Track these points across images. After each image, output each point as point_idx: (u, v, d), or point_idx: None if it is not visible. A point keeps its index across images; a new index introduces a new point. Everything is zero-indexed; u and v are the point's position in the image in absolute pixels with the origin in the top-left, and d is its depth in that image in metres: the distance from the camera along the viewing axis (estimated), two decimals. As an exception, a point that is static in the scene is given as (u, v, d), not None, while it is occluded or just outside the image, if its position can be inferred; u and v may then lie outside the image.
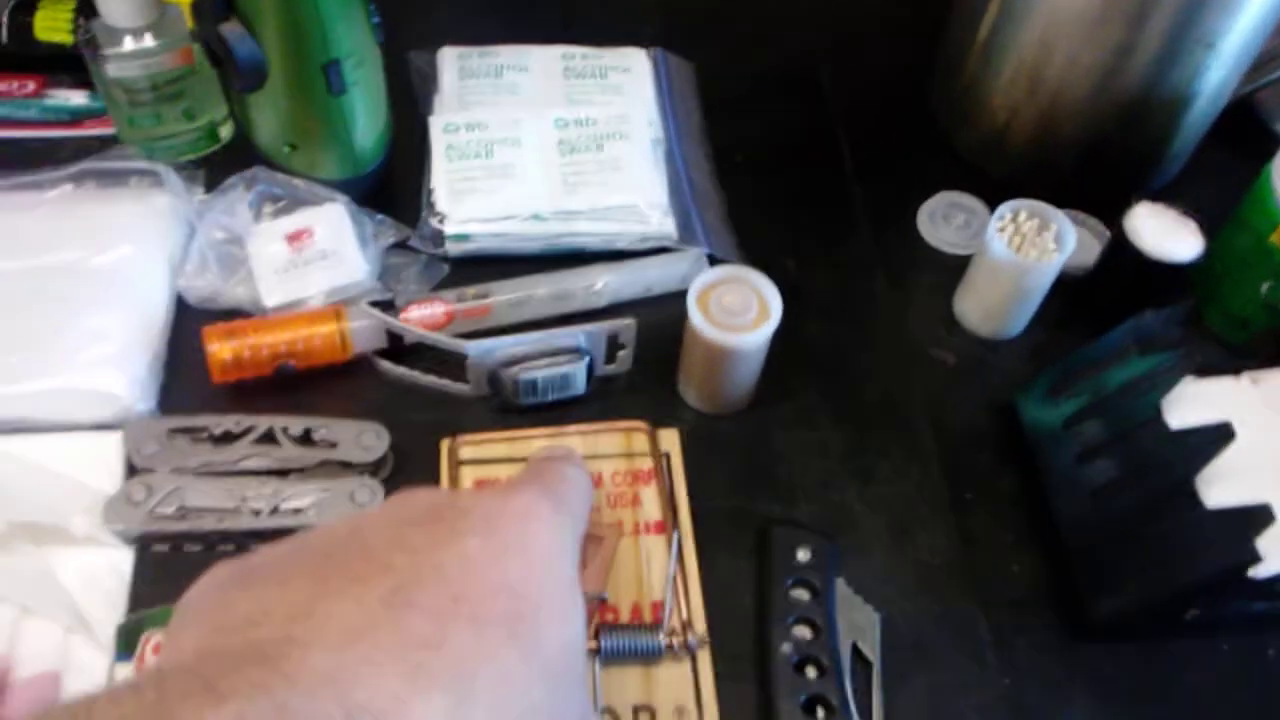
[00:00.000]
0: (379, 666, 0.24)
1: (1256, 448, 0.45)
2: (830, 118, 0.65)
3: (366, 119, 0.53)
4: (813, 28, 0.69)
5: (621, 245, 0.56)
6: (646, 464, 0.48)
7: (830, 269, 0.58)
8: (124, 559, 0.44)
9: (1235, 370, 0.49)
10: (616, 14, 0.69)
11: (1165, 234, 0.50)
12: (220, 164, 0.57)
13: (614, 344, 0.51)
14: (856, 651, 0.44)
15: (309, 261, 0.52)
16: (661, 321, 0.52)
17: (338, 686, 0.23)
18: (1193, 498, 0.42)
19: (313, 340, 0.49)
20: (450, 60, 0.61)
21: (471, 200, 0.55)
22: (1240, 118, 0.63)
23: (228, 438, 0.46)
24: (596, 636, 0.42)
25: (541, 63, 0.62)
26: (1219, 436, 0.42)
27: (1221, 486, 0.43)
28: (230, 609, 0.26)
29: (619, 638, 0.42)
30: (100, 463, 0.46)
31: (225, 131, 0.59)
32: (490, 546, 0.28)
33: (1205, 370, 0.48)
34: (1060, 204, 0.57)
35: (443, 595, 0.26)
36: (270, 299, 0.51)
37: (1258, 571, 0.41)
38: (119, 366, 0.48)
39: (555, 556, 0.30)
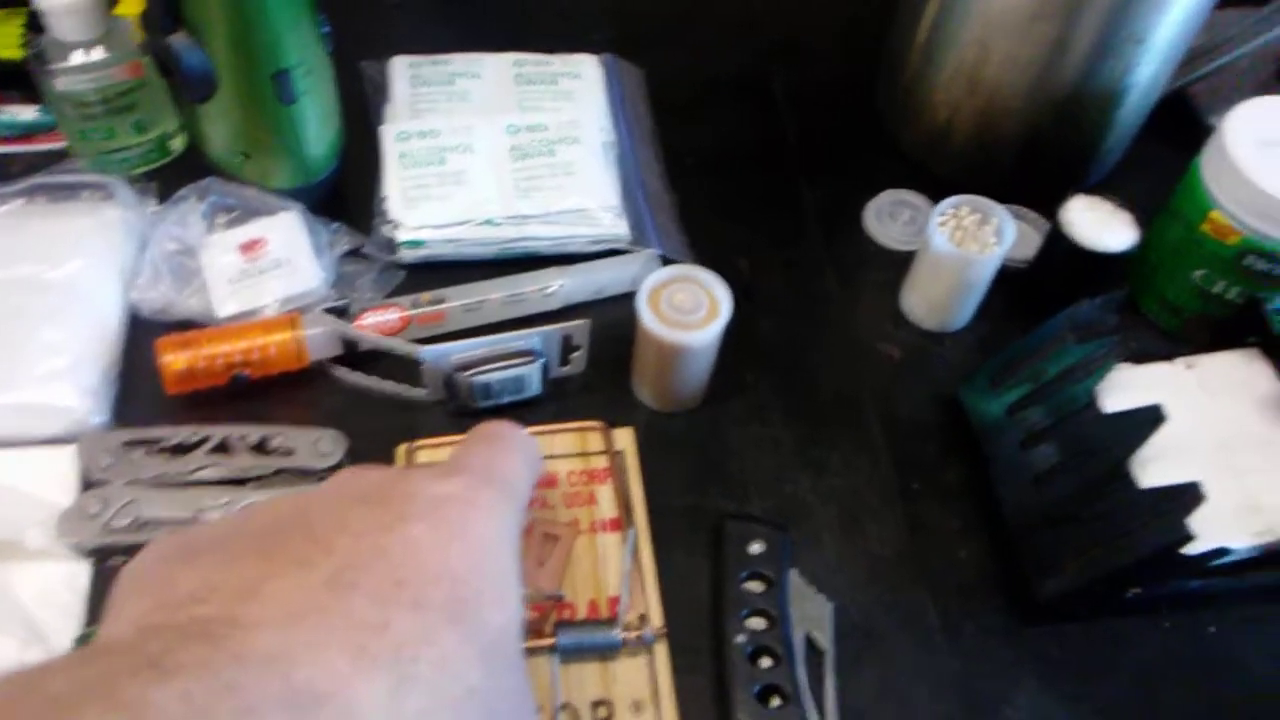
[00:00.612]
0: (322, 647, 0.24)
1: (1192, 429, 0.47)
2: (779, 119, 0.66)
3: (318, 128, 0.54)
4: (762, 32, 0.71)
5: (575, 248, 0.56)
6: (602, 463, 0.49)
7: (781, 267, 0.59)
8: (80, 572, 0.45)
9: (1169, 355, 0.50)
10: (568, 21, 0.69)
11: (1100, 226, 0.52)
12: (173, 175, 0.57)
13: (568, 345, 0.51)
14: (810, 641, 0.45)
15: (263, 271, 0.52)
16: (615, 322, 0.53)
17: (282, 665, 0.23)
18: (1127, 479, 0.44)
19: (268, 349, 0.49)
20: (402, 68, 0.62)
21: (425, 207, 0.55)
22: (1175, 111, 0.64)
23: (183, 448, 0.47)
24: (555, 633, 0.43)
25: (493, 70, 0.62)
26: (1151, 419, 0.43)
27: (1158, 468, 0.45)
28: (174, 585, 0.26)
29: (576, 634, 0.43)
30: (55, 476, 0.46)
31: (177, 143, 0.59)
32: (435, 533, 0.29)
33: (1141, 356, 0.50)
34: (1002, 198, 0.58)
35: (386, 579, 0.27)
36: (224, 309, 0.51)
37: (1192, 549, 0.42)
38: (72, 380, 0.48)
39: (496, 543, 0.31)
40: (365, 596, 0.26)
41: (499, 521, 0.31)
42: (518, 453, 0.36)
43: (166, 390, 0.48)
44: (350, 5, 0.67)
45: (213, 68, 0.49)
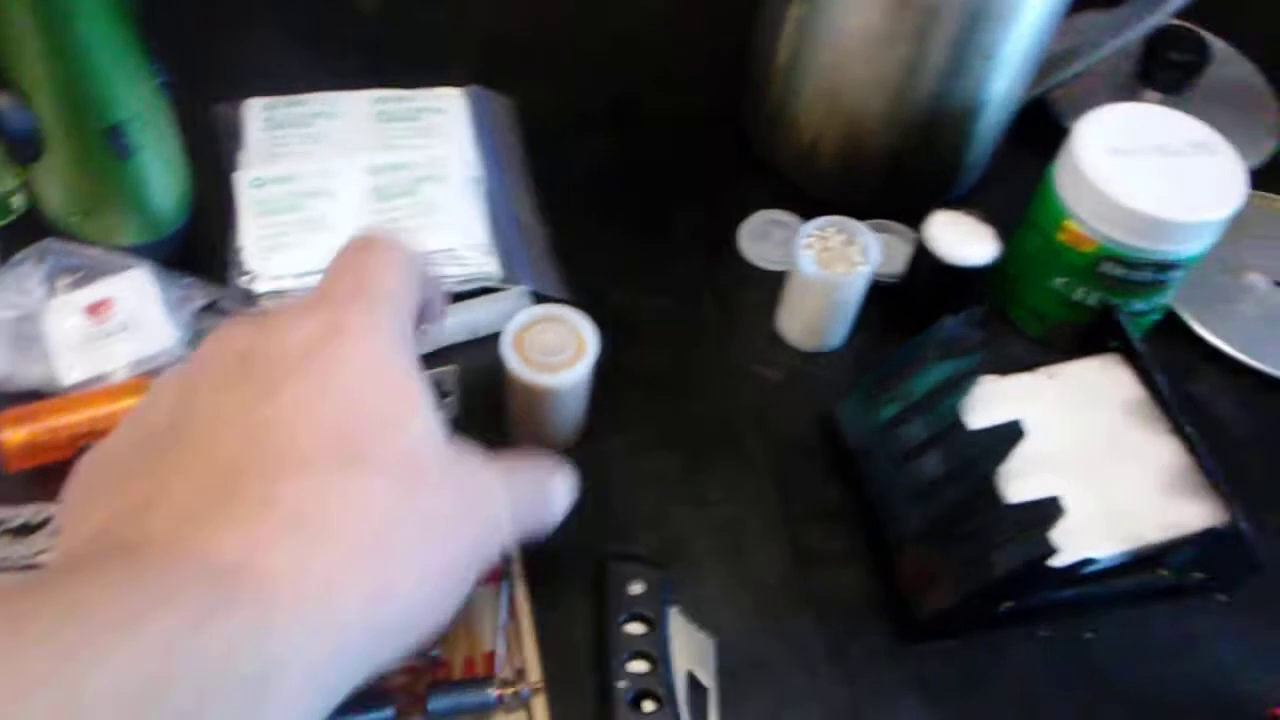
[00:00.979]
0: (223, 534, 0.25)
1: (1058, 439, 0.47)
2: (652, 146, 0.65)
3: (162, 180, 0.51)
4: (633, 58, 0.70)
5: (445, 289, 0.55)
6: (476, 511, 0.47)
7: (657, 295, 0.58)
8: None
9: (1038, 364, 0.51)
10: (433, 54, 0.68)
11: (962, 240, 0.52)
12: (12, 237, 0.54)
13: (439, 391, 0.50)
14: (693, 679, 0.44)
15: (111, 333, 0.50)
16: (490, 364, 0.52)
17: (190, 554, 0.24)
18: (993, 496, 0.44)
19: (116, 417, 0.47)
20: (256, 111, 0.60)
21: (283, 256, 0.53)
22: (1040, 118, 0.66)
23: (25, 530, 0.44)
24: (426, 697, 0.41)
25: (352, 108, 0.61)
26: (1010, 436, 0.43)
27: (1027, 481, 0.45)
28: (84, 521, 0.27)
29: (448, 696, 0.41)
30: (-115, 569, 0.43)
31: (16, 203, 0.56)
32: (305, 389, 0.28)
33: (1009, 366, 0.50)
34: (873, 214, 0.59)
35: (268, 454, 0.27)
36: (69, 376, 0.49)
37: (1059, 560, 0.42)
38: (-101, 465, 0.45)
39: (376, 365, 0.30)
40: (253, 478, 0.26)
41: (374, 341, 0.30)
42: (387, 258, 0.33)
43: (7, 468, 0.46)
44: (203, 45, 0.65)
45: (38, 127, 0.47)
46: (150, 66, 0.49)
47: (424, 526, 0.28)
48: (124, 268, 0.52)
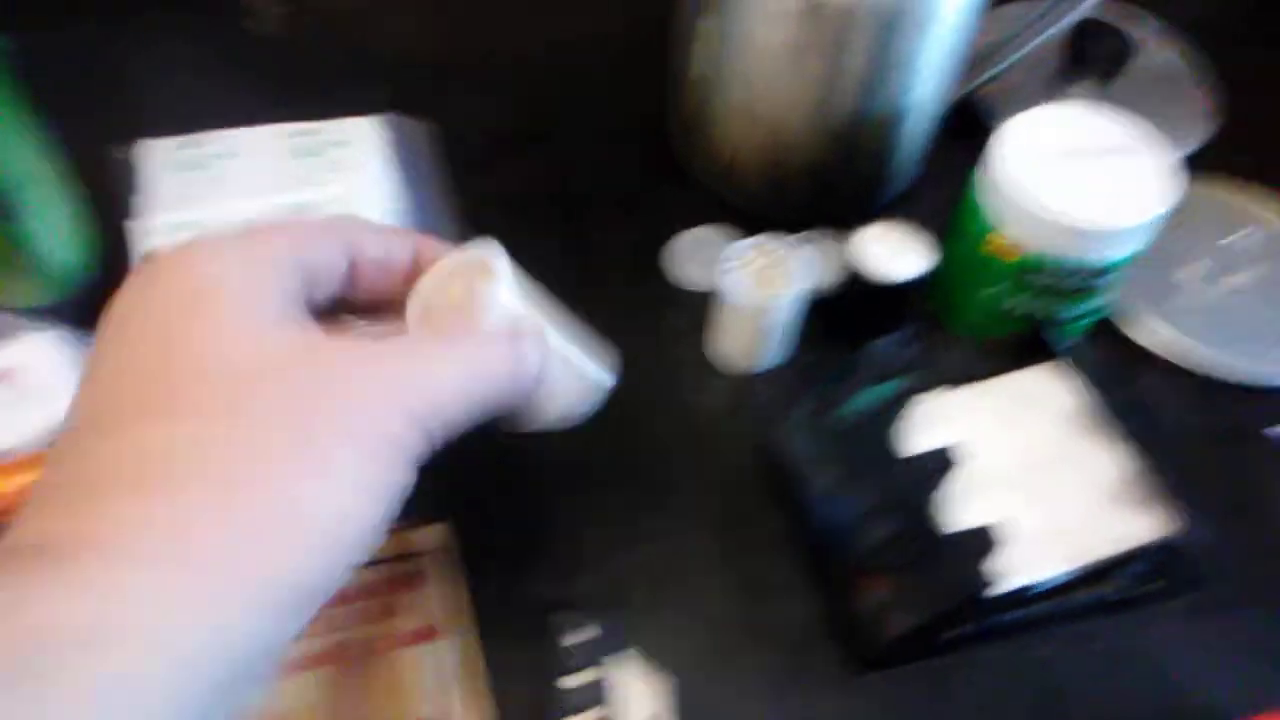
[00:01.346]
0: (52, 510, 0.26)
1: (999, 456, 0.47)
2: (577, 164, 0.64)
3: (57, 239, 0.49)
4: (553, 76, 0.68)
5: (366, 329, 0.53)
6: (406, 567, 0.46)
7: (585, 320, 0.57)
8: None
9: (977, 377, 0.50)
10: (344, 82, 0.66)
11: (893, 254, 0.51)
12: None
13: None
14: (648, 726, 0.43)
15: (18, 401, 0.48)
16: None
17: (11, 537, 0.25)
18: (928, 526, 0.43)
19: (23, 493, 0.45)
20: (154, 154, 0.57)
21: (196, 308, 0.51)
22: (971, 116, 0.65)
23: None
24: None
25: (259, 145, 0.58)
26: (942, 464, 0.43)
27: (973, 501, 0.44)
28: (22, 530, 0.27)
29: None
30: None
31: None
32: (120, 346, 0.28)
33: (949, 379, 0.49)
34: (803, 225, 0.57)
35: (92, 424, 0.27)
36: (-26, 453, 0.47)
37: (1001, 588, 0.42)
38: None
39: (195, 299, 0.28)
40: (123, 439, 0.26)
41: (202, 271, 0.28)
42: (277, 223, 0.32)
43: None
44: (100, 88, 0.62)
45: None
46: (34, 123, 0.46)
47: (282, 459, 0.26)
48: (32, 331, 0.50)
